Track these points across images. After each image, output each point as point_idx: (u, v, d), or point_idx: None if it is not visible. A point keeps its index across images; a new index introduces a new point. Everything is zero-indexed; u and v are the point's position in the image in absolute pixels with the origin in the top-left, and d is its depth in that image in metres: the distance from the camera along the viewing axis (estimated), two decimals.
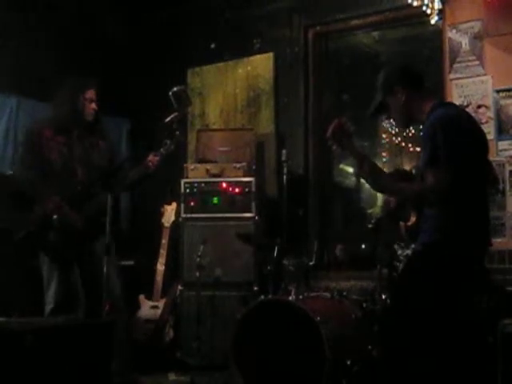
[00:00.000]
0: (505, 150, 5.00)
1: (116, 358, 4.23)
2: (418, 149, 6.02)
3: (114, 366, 4.17)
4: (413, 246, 3.41)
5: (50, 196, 4.41)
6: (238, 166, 5.75)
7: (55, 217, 4.38)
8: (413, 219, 3.41)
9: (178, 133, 4.44)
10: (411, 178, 3.58)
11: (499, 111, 5.06)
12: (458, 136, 3.16)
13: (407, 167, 6.27)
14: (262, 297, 4.60)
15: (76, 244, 4.45)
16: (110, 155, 4.70)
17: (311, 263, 4.78)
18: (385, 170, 3.75)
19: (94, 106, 4.59)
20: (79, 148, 4.55)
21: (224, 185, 5.70)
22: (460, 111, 3.52)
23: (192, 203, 5.72)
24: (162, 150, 4.59)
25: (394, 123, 5.79)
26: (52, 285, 4.45)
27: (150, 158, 4.58)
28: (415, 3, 5.20)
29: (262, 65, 6.37)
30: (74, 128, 4.56)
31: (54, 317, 4.34)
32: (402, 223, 3.51)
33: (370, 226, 4.61)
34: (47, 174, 4.46)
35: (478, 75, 5.15)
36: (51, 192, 4.42)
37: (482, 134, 3.39)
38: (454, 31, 5.27)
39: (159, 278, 5.71)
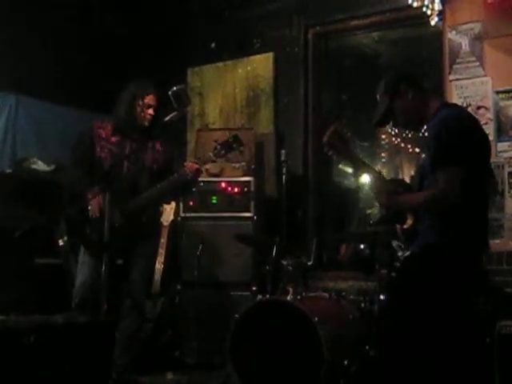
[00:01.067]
0: (504, 151, 5.00)
1: (123, 357, 4.29)
2: (417, 149, 6.02)
3: (119, 364, 4.22)
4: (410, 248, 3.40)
5: (90, 188, 4.42)
6: (237, 165, 5.75)
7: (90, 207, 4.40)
8: (409, 222, 3.40)
9: (223, 152, 4.46)
10: (409, 186, 3.55)
11: (499, 112, 5.06)
12: (462, 137, 3.16)
13: (406, 168, 6.27)
14: (260, 297, 4.61)
15: (114, 241, 4.39)
16: (164, 160, 4.64)
17: (309, 263, 4.78)
18: (384, 170, 3.77)
19: (151, 111, 4.56)
20: (131, 148, 4.55)
21: (223, 184, 5.70)
22: (465, 112, 3.52)
23: (191, 202, 5.73)
24: (201, 158, 4.53)
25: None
26: (80, 277, 4.47)
27: (188, 164, 4.50)
28: (415, 4, 5.20)
29: (261, 65, 6.37)
30: (129, 132, 4.57)
31: (78, 311, 4.36)
32: (398, 226, 3.50)
33: (369, 226, 4.61)
34: (96, 173, 4.46)
35: (478, 76, 5.15)
36: (92, 184, 4.43)
37: (486, 137, 3.39)
38: (454, 32, 5.27)
39: (158, 277, 5.70)
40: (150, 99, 4.57)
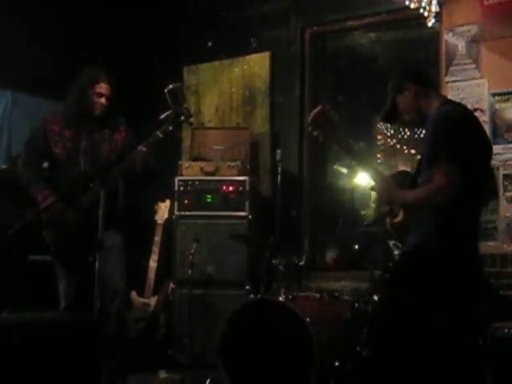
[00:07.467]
0: (499, 153, 4.98)
1: (108, 358, 4.26)
2: (413, 151, 6.02)
3: (106, 365, 4.19)
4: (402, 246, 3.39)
5: (40, 190, 4.38)
6: (233, 164, 5.74)
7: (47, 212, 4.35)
8: (400, 216, 3.36)
9: (170, 128, 4.25)
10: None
11: (494, 115, 5.06)
12: (460, 134, 3.14)
13: (401, 169, 6.25)
14: (252, 296, 4.60)
15: (73, 239, 4.36)
16: (125, 148, 4.46)
17: (301, 263, 4.77)
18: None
19: (103, 100, 4.44)
20: (86, 142, 4.45)
21: (218, 183, 5.69)
22: (465, 110, 3.49)
23: (186, 201, 5.72)
24: (150, 139, 4.29)
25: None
26: (61, 283, 4.43)
27: (138, 148, 4.31)
28: (412, 5, 5.19)
29: (258, 64, 6.37)
30: (82, 122, 4.46)
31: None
32: (387, 219, 3.46)
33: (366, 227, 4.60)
34: (52, 169, 4.43)
35: (474, 78, 5.16)
36: (43, 187, 4.39)
37: (486, 135, 3.37)
38: (451, 34, 5.28)
39: (151, 275, 5.71)
40: (100, 88, 4.44)
